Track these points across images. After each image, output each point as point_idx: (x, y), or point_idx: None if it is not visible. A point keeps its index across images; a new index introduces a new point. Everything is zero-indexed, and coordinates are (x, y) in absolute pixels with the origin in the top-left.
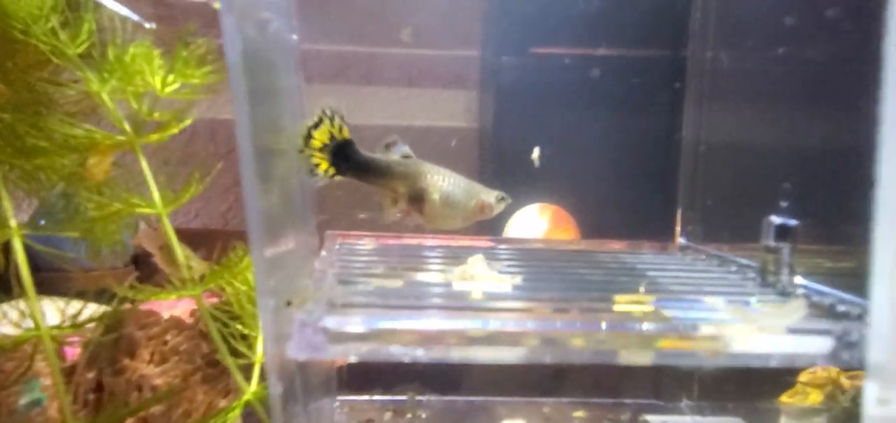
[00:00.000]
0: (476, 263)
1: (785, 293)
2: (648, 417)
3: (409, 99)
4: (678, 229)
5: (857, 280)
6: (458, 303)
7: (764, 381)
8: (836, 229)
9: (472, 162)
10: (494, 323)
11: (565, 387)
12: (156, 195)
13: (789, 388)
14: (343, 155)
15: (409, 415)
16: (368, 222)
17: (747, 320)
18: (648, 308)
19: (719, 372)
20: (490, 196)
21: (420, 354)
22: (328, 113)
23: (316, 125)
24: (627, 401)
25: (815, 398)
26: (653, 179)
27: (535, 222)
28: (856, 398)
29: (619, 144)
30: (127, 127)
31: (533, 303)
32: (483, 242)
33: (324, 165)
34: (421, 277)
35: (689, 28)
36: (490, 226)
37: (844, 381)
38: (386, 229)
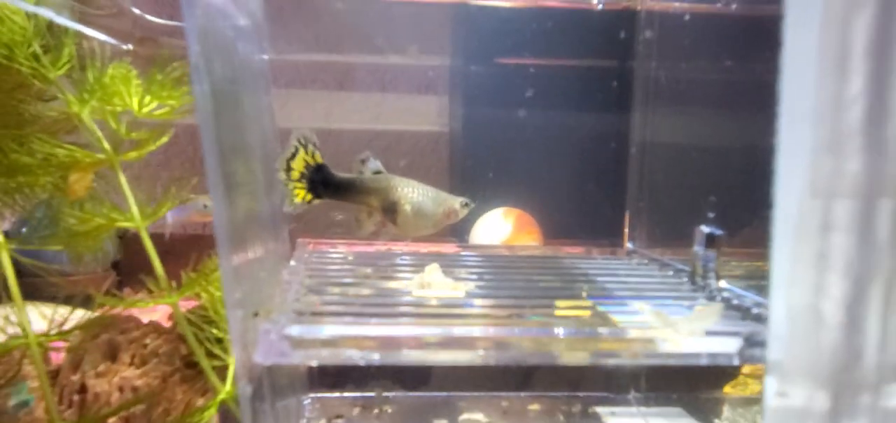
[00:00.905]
0: (432, 271)
1: (712, 297)
2: (598, 409)
3: (383, 104)
4: (626, 233)
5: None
6: (413, 311)
7: (708, 373)
8: (755, 237)
9: (444, 162)
10: (447, 330)
11: (524, 382)
12: (134, 210)
13: (732, 379)
14: (319, 179)
15: (376, 410)
16: (343, 224)
17: (669, 326)
18: (587, 313)
19: (666, 366)
20: (455, 203)
21: (376, 358)
22: (302, 141)
23: (292, 156)
24: (580, 394)
25: (756, 387)
26: (608, 185)
27: (500, 225)
28: None
29: (577, 150)
30: (107, 146)
31: (484, 309)
32: (450, 247)
33: (301, 194)
34: (383, 284)
35: (635, 46)
36: (458, 229)
37: None
38: (358, 237)
